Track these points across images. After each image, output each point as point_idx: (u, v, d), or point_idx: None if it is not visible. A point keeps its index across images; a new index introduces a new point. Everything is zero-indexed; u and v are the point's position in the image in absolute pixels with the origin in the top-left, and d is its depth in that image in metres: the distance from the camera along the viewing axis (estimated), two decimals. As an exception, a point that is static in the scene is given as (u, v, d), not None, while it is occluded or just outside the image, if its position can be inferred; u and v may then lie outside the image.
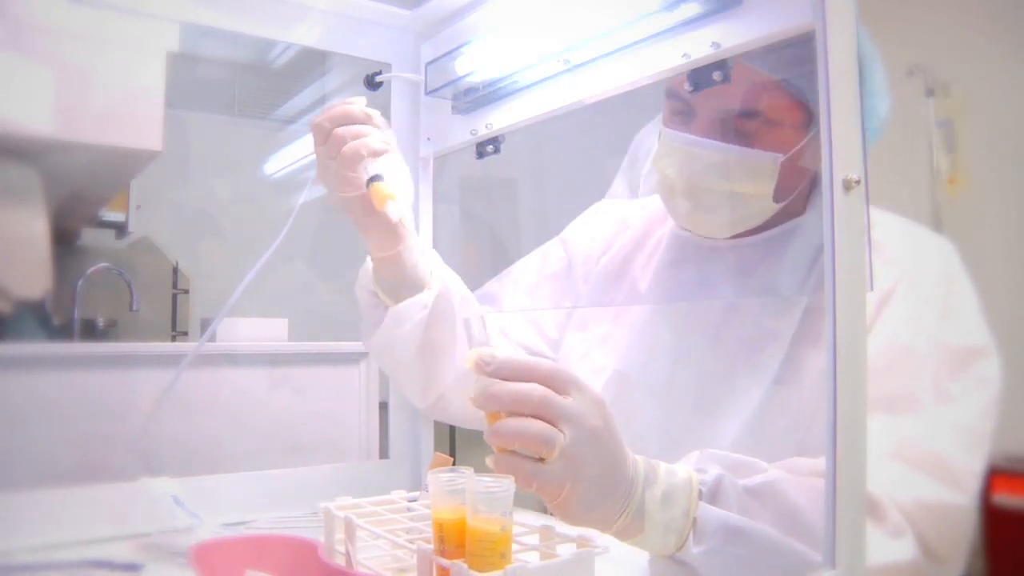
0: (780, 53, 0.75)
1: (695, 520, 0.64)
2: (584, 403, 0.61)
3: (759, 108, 0.81)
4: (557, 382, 0.61)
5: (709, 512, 0.64)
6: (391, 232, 0.87)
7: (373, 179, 0.83)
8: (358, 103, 0.85)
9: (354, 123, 0.84)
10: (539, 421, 0.59)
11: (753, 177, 0.82)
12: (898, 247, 0.82)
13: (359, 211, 0.86)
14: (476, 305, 1.00)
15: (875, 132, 0.85)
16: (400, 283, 0.91)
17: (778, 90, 0.80)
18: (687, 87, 0.76)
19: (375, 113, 0.86)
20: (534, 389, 0.60)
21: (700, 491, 0.65)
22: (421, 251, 0.93)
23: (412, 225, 0.90)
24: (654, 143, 1.85)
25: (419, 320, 0.90)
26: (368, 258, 0.93)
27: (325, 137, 0.84)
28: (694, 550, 0.64)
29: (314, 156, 0.88)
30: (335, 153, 0.83)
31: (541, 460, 0.59)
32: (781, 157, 0.81)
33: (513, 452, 0.60)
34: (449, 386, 0.96)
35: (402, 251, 0.89)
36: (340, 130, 0.83)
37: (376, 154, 0.83)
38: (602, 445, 0.61)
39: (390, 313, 0.90)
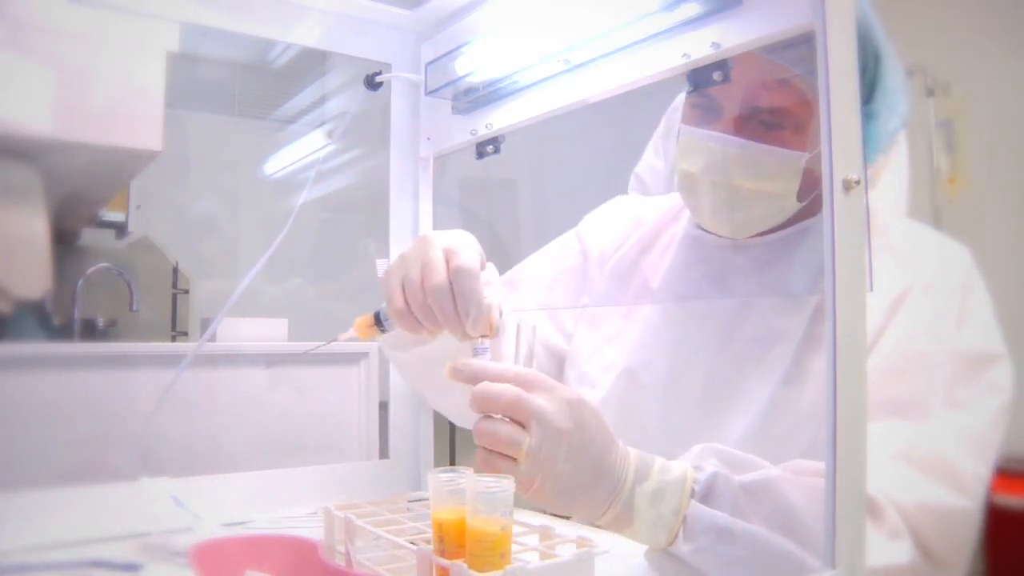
0: (803, 48, 0.75)
1: (685, 518, 0.65)
2: (552, 404, 0.63)
3: (785, 106, 0.81)
4: (524, 385, 0.64)
5: (699, 511, 0.64)
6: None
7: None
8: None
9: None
10: (508, 424, 0.62)
11: (779, 175, 0.82)
12: (915, 251, 0.82)
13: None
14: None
15: (897, 131, 0.85)
16: None
17: (805, 87, 0.80)
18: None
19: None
20: (505, 390, 0.63)
21: (693, 489, 0.65)
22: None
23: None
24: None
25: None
26: None
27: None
28: (684, 548, 0.64)
29: (314, 156, 0.87)
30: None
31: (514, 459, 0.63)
32: (806, 155, 0.80)
33: (490, 450, 0.63)
34: None
35: None
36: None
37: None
38: (569, 444, 0.63)
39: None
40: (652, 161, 1.86)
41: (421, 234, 0.76)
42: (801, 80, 0.79)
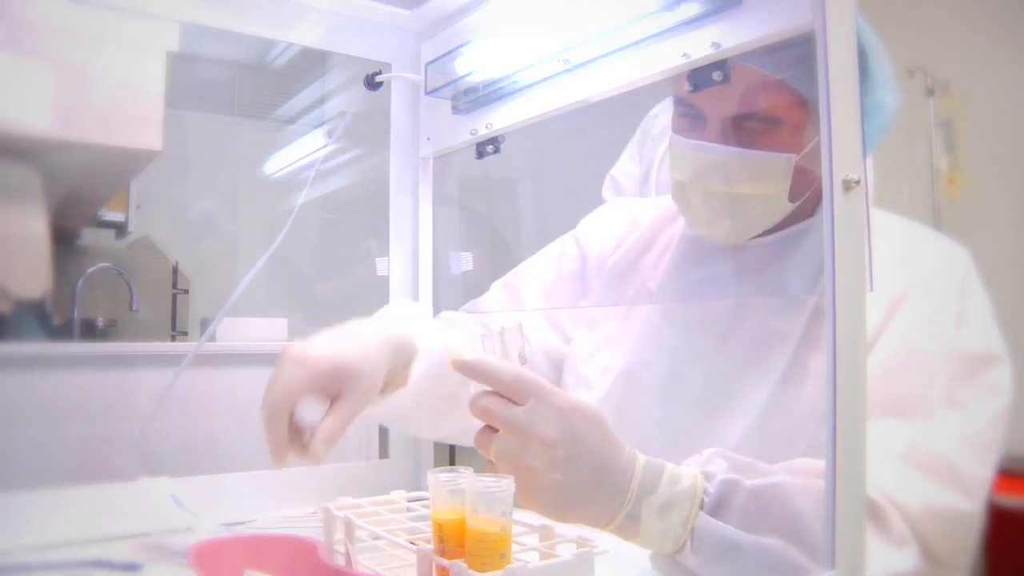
0: (785, 52, 0.75)
1: (693, 530, 0.64)
2: (539, 413, 0.63)
3: (767, 110, 0.80)
4: (513, 392, 0.64)
5: (708, 525, 0.63)
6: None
7: None
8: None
9: None
10: (482, 428, 0.65)
11: (767, 179, 0.81)
12: (913, 251, 0.82)
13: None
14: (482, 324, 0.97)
15: (884, 127, 0.84)
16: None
17: (785, 90, 0.79)
18: (687, 87, 0.75)
19: None
20: (484, 402, 0.65)
21: (703, 500, 0.64)
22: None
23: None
24: (669, 120, 1.83)
25: (421, 389, 0.83)
26: None
27: None
28: (691, 560, 0.64)
29: (314, 156, 0.88)
30: None
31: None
32: (795, 157, 0.80)
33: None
34: (462, 422, 0.89)
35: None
36: None
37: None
38: (554, 454, 0.62)
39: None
40: (627, 166, 1.88)
41: (292, 349, 0.71)
42: (783, 84, 0.79)
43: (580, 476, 0.63)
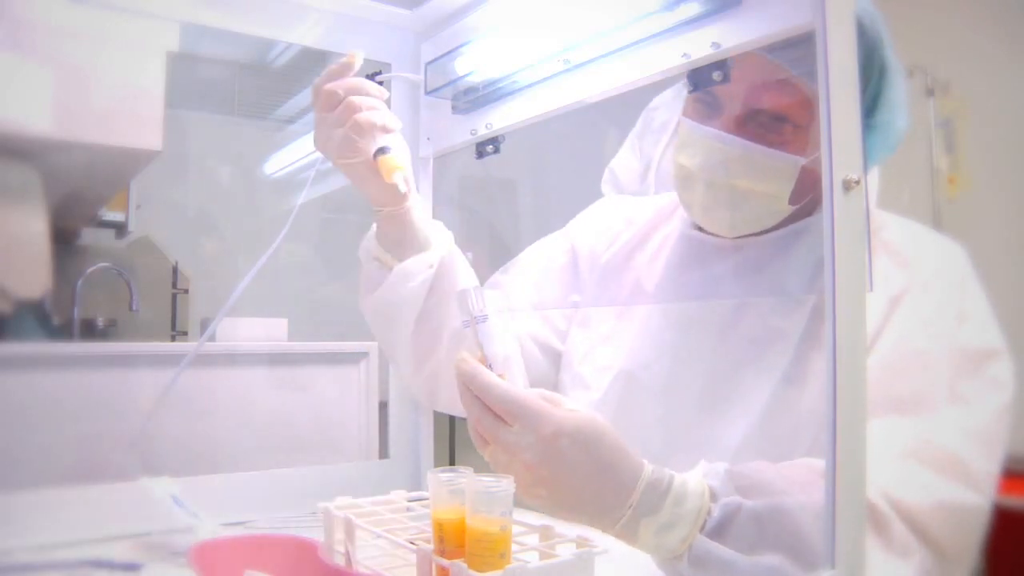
0: (807, 48, 0.75)
1: (690, 547, 0.63)
2: (523, 438, 0.62)
3: (786, 107, 0.80)
4: (501, 412, 0.64)
5: (705, 546, 0.63)
6: (395, 193, 0.88)
7: (381, 151, 0.85)
8: (359, 57, 0.87)
9: (367, 95, 0.86)
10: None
11: (774, 178, 0.81)
12: (912, 250, 0.82)
13: (362, 175, 0.88)
14: (474, 278, 0.98)
15: (892, 146, 0.84)
16: (404, 242, 0.92)
17: (806, 88, 0.79)
18: (716, 75, 0.73)
19: (383, 91, 0.88)
20: (474, 416, 0.65)
21: (705, 521, 0.63)
22: (424, 212, 0.94)
23: (415, 190, 0.92)
24: (670, 115, 1.82)
25: (424, 279, 0.90)
26: (373, 224, 0.94)
27: (334, 104, 0.85)
28: (687, 570, 0.64)
29: (314, 156, 0.89)
30: (346, 120, 0.84)
31: None
32: (803, 160, 0.80)
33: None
34: (442, 362, 0.94)
35: (408, 208, 0.90)
36: (355, 99, 0.84)
37: (387, 130, 0.85)
38: (537, 474, 0.63)
39: (396, 270, 0.90)
40: (627, 159, 1.87)
41: None
42: (804, 81, 0.79)
43: (567, 494, 0.63)
